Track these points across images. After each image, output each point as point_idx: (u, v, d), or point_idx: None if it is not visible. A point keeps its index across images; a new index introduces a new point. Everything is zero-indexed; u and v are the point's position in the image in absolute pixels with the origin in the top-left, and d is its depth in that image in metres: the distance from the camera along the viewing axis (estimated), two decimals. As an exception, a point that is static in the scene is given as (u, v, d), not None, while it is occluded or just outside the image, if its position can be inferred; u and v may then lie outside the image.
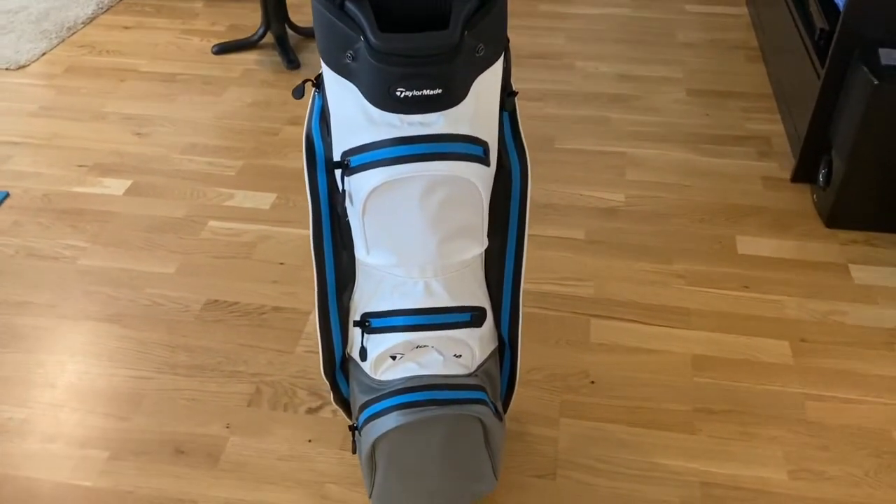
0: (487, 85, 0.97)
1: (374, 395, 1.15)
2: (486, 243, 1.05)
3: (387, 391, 1.14)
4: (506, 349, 1.24)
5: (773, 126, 2.43)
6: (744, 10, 3.14)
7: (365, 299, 1.14)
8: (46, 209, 2.12)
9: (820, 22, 2.10)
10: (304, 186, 2.14)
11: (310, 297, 1.84)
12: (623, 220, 2.06)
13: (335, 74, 0.96)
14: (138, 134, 2.42)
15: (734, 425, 1.54)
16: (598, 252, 1.96)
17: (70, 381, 1.64)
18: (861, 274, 1.88)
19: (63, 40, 2.95)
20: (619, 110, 2.52)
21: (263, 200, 2.15)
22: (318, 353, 1.22)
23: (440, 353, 1.14)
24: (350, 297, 1.17)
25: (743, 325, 1.75)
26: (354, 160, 0.96)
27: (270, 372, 1.66)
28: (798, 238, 1.99)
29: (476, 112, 0.96)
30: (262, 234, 2.03)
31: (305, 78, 1.08)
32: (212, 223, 2.07)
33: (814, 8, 2.18)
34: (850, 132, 1.88)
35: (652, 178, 2.22)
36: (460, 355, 1.14)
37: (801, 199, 2.13)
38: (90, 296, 1.85)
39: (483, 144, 0.98)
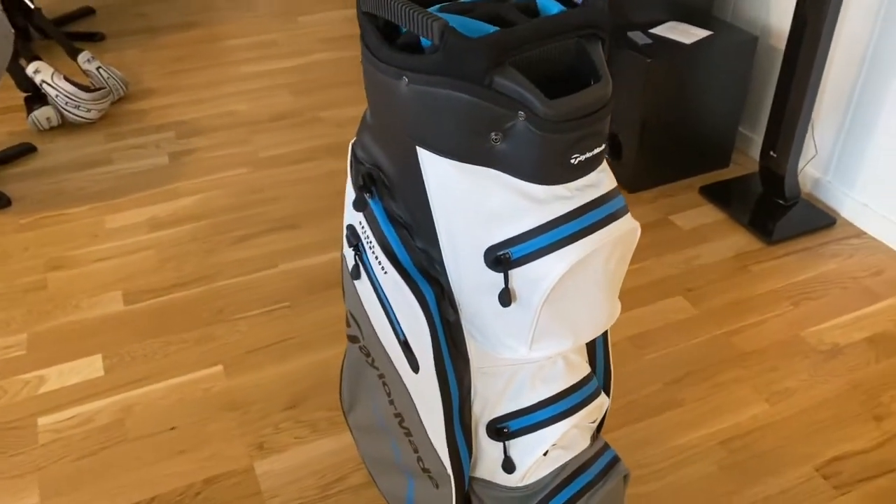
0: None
1: (529, 504, 1.01)
2: (615, 293, 0.98)
3: (543, 495, 1.01)
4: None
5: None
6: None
7: (491, 405, 0.99)
8: None
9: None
10: (130, 335, 1.73)
11: (237, 452, 1.52)
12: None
13: (464, 165, 0.81)
14: None
15: (703, 383, 1.67)
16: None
17: None
18: (682, 221, 2.16)
19: None
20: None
21: (90, 367, 1.70)
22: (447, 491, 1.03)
23: (577, 425, 1.04)
24: (469, 411, 1.00)
25: (637, 298, 1.90)
26: (518, 251, 0.83)
27: (261, 554, 1.34)
28: (619, 209, 2.21)
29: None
30: (120, 405, 1.61)
31: (362, 192, 0.91)
32: (42, 421, 1.58)
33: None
34: (633, 109, 2.14)
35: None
36: (594, 420, 1.06)
37: (596, 176, 2.35)
38: (-65, 588, 1.29)
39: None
